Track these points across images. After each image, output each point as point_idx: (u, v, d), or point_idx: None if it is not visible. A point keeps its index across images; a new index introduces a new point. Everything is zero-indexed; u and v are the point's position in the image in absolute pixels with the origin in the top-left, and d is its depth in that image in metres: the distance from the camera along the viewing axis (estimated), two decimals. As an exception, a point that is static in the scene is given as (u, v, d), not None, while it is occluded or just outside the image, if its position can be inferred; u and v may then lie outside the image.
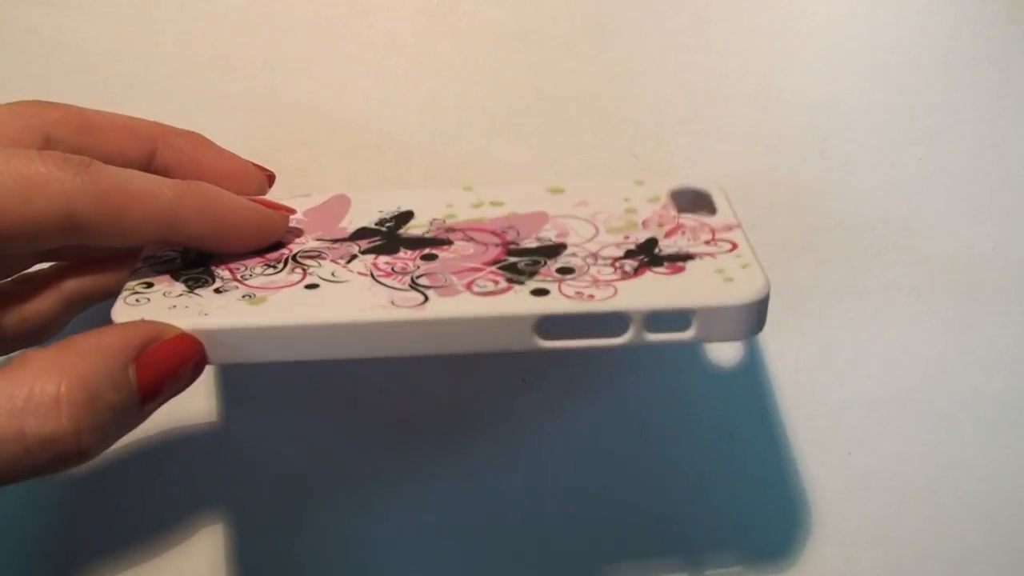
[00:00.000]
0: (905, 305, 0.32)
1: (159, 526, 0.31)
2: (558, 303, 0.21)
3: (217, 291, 0.22)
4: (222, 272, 0.23)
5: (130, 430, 0.20)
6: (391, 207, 0.26)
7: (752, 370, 0.32)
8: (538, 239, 0.24)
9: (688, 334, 0.22)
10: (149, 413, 0.20)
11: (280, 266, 0.23)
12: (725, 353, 0.32)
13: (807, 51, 0.32)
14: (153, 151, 0.25)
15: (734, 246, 0.23)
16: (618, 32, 0.32)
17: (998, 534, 0.32)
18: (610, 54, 0.32)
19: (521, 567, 0.32)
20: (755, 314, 0.22)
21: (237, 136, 0.31)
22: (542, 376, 0.31)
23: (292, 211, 0.25)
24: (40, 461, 0.18)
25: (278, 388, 0.31)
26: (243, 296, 0.22)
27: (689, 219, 0.25)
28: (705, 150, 0.32)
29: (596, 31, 0.32)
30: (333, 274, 0.23)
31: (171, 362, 0.20)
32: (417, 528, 0.31)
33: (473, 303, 0.22)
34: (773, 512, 0.32)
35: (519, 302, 0.21)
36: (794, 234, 0.32)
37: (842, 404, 0.32)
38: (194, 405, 0.31)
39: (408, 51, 0.32)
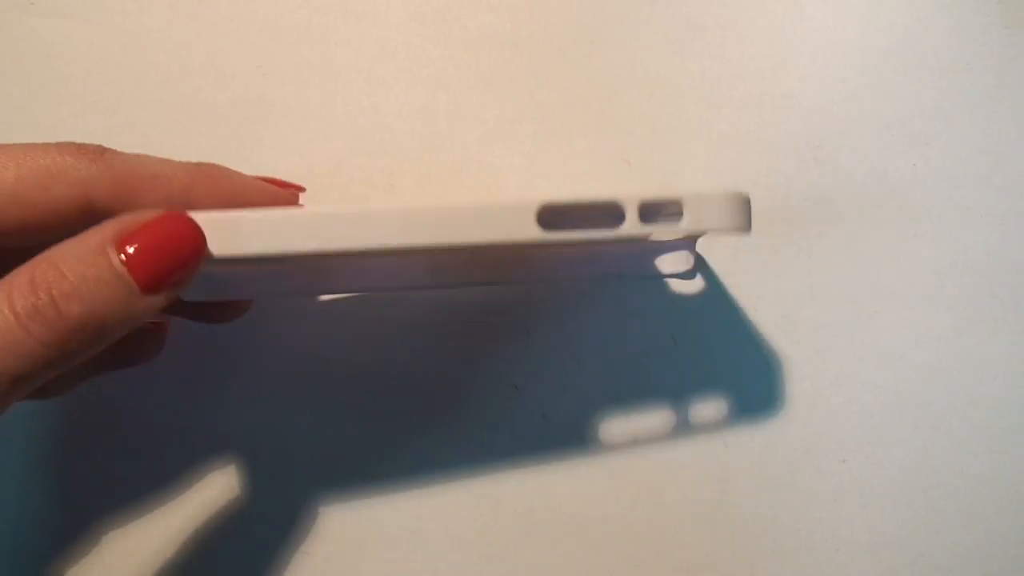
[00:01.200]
0: (899, 312, 0.32)
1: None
2: (559, 195, 0.22)
3: None
4: None
5: (142, 320, 0.19)
6: None
7: (745, 376, 0.32)
8: None
9: (682, 224, 0.23)
10: (155, 305, 0.19)
11: None
12: (717, 362, 0.32)
13: (801, 57, 0.32)
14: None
15: None
16: (611, 38, 0.32)
17: (994, 541, 0.32)
18: (603, 60, 0.32)
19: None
20: (742, 206, 0.23)
21: (229, 144, 0.31)
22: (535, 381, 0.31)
23: (302, 188, 0.26)
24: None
25: (277, 389, 0.31)
26: None
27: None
28: (698, 156, 0.32)
29: (589, 37, 0.32)
30: None
31: (157, 238, 0.19)
32: (414, 531, 0.31)
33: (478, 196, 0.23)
34: (765, 520, 0.32)
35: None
36: (788, 240, 0.32)
37: (836, 411, 0.32)
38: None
39: (400, 58, 0.32)
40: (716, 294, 0.32)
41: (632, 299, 0.32)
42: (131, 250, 0.18)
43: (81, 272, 0.18)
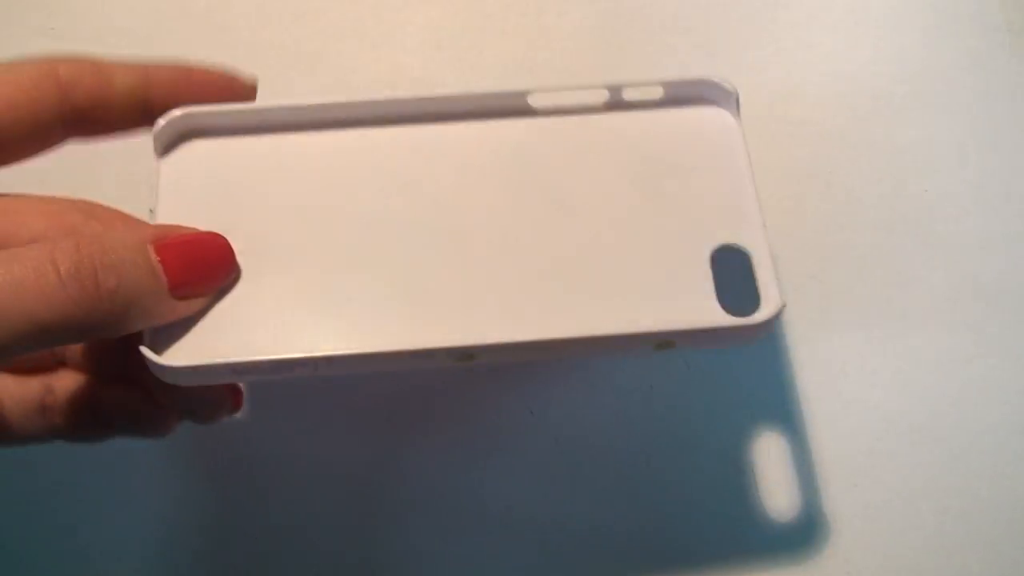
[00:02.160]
0: (911, 337, 0.32)
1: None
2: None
3: None
4: None
5: (161, 319, 0.20)
6: None
7: (758, 401, 0.32)
8: None
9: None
10: (181, 310, 0.20)
11: None
12: (731, 387, 0.32)
13: (813, 84, 0.32)
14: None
15: None
16: (623, 65, 0.32)
17: (1004, 565, 0.32)
18: (616, 86, 0.32)
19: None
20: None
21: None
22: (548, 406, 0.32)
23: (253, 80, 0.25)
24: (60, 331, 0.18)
25: (293, 414, 0.31)
26: None
27: None
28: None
29: (602, 64, 0.32)
30: None
31: (194, 248, 0.21)
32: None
33: None
34: (779, 542, 0.32)
35: None
36: (800, 265, 0.32)
37: (848, 435, 0.32)
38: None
39: (416, 83, 0.32)
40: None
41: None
42: (167, 254, 0.20)
43: (122, 254, 0.19)
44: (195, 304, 0.21)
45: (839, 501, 0.32)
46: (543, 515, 0.32)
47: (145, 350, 0.20)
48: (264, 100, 0.31)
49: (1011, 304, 0.32)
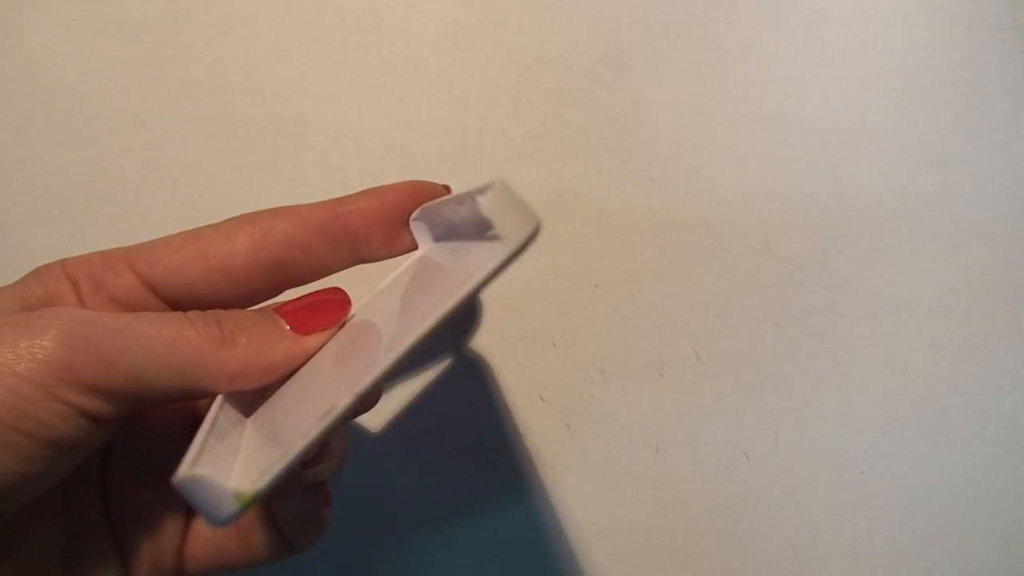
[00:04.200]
0: (918, 328, 0.33)
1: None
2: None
3: None
4: None
5: (289, 360, 0.22)
6: None
7: (766, 391, 0.32)
8: None
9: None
10: (308, 345, 0.22)
11: None
12: (741, 375, 0.32)
13: (822, 79, 0.33)
14: None
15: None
16: (637, 59, 0.33)
17: (1010, 552, 0.33)
18: (629, 80, 0.33)
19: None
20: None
21: (265, 158, 0.32)
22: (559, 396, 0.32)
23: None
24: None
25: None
26: None
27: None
28: (721, 175, 0.33)
29: (616, 58, 0.33)
30: None
31: (308, 301, 0.23)
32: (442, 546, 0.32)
33: None
34: (786, 530, 0.33)
35: None
36: (808, 257, 0.33)
37: (855, 424, 0.32)
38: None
39: (432, 76, 0.33)
40: (738, 308, 0.32)
41: (656, 313, 0.32)
42: (285, 308, 0.22)
43: (250, 317, 0.22)
44: (320, 338, 0.22)
45: (846, 489, 0.33)
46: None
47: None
48: (284, 94, 0.32)
49: (1018, 295, 0.33)
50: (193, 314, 0.21)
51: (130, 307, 0.22)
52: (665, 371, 0.32)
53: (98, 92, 0.32)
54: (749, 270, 0.33)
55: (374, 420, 0.32)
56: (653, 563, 0.32)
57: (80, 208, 0.32)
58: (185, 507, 0.24)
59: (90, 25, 0.32)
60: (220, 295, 0.22)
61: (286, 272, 0.23)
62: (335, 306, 0.23)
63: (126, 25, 0.32)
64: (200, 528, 0.24)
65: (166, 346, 0.19)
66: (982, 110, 0.33)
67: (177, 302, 0.22)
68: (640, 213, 0.33)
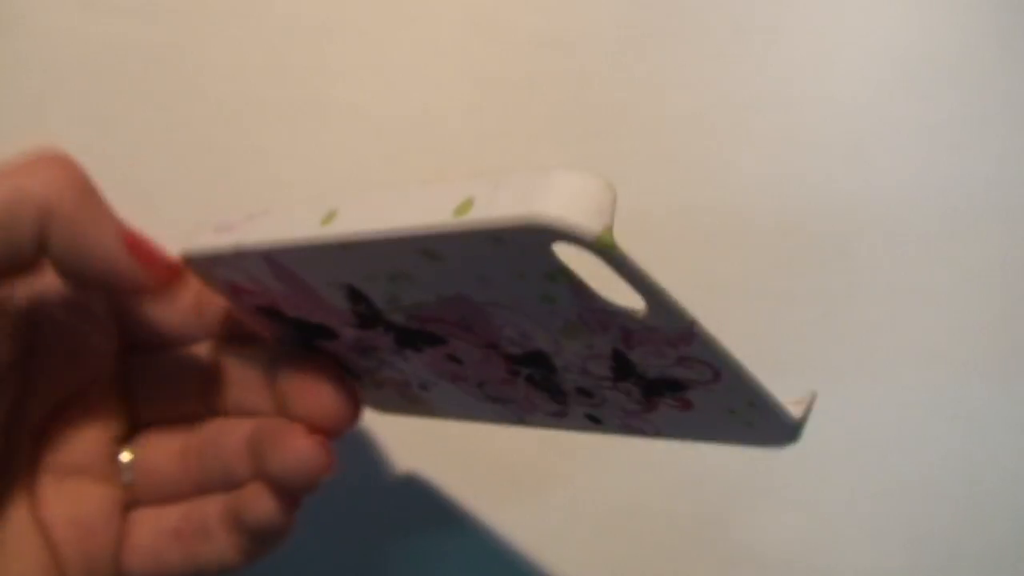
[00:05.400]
0: (938, 311, 0.33)
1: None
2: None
3: None
4: None
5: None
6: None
7: (785, 375, 0.32)
8: (509, 340, 0.20)
9: None
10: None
11: None
12: (759, 357, 0.32)
13: (842, 61, 0.33)
14: None
15: (716, 375, 0.19)
16: (657, 41, 0.33)
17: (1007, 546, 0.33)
18: (650, 63, 0.33)
19: None
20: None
21: (284, 141, 0.32)
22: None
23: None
24: None
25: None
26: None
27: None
28: (741, 156, 0.33)
29: (636, 40, 0.33)
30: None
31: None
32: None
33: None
34: (807, 511, 0.33)
35: (574, 421, 0.22)
36: (827, 239, 0.33)
37: (876, 408, 0.32)
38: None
39: (452, 58, 0.32)
40: (756, 291, 0.32)
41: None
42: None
43: None
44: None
45: (868, 472, 0.33)
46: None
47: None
48: (303, 76, 0.32)
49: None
50: None
51: None
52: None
53: (115, 73, 0.32)
54: (768, 252, 0.33)
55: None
56: (669, 544, 0.32)
57: (98, 190, 0.31)
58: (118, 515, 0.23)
59: (107, 5, 0.32)
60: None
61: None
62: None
63: (143, 5, 0.32)
64: (138, 536, 0.23)
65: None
66: (1003, 91, 0.33)
67: None
68: (658, 196, 0.32)
